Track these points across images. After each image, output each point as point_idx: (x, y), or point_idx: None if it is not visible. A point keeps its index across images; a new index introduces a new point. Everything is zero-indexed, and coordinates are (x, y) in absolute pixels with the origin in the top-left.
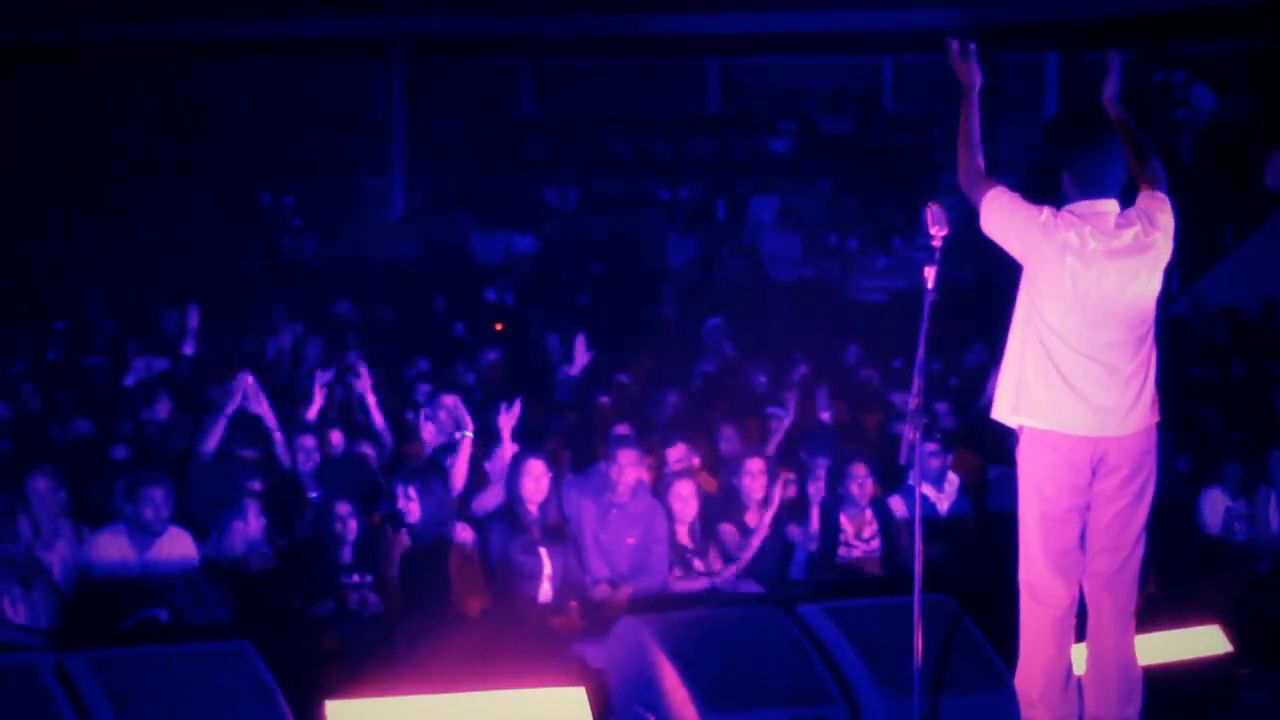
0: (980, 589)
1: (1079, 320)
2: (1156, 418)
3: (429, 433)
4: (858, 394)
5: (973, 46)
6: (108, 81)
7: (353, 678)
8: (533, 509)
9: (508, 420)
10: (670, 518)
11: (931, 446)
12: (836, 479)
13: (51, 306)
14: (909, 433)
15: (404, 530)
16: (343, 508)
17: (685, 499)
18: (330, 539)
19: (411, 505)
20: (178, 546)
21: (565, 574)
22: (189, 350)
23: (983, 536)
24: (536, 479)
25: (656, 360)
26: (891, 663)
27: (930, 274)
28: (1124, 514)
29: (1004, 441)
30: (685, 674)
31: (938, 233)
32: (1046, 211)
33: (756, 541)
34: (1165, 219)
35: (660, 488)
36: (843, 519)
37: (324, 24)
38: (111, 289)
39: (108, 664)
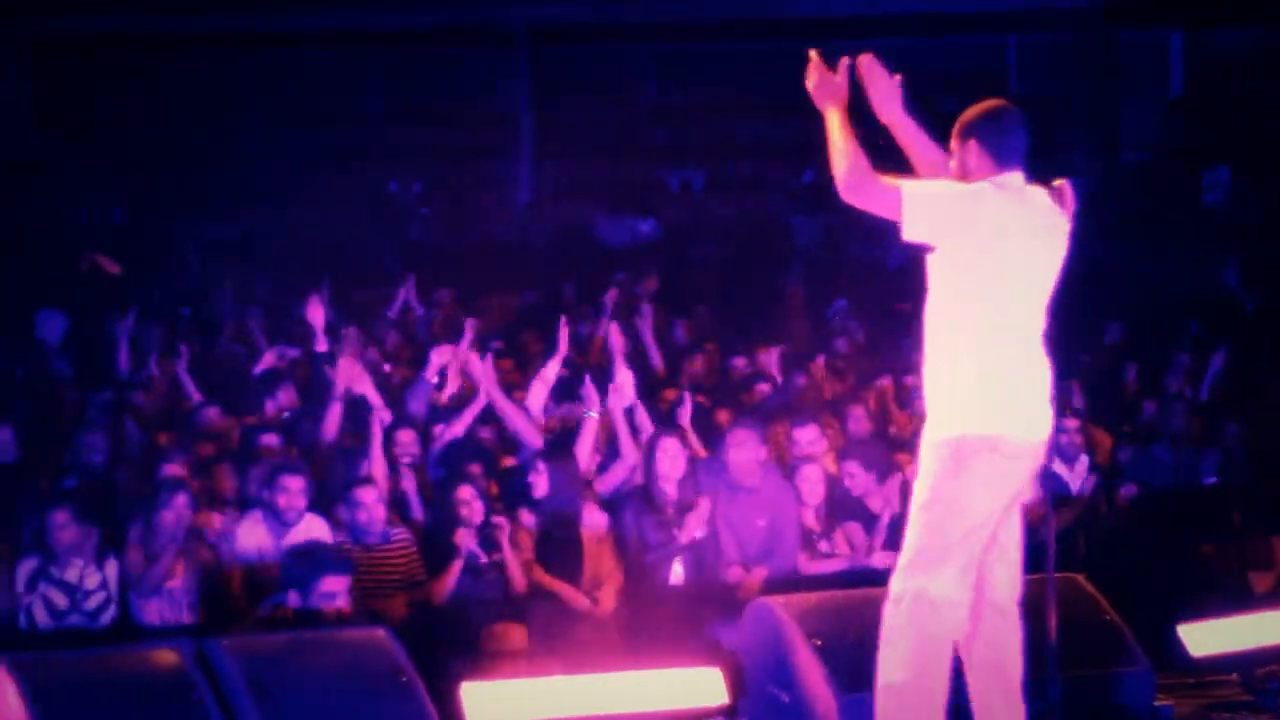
0: (1111, 567)
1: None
2: None
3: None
4: None
5: (845, 61)
6: (237, 72)
7: (488, 659)
8: (669, 488)
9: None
10: (798, 498)
11: (1069, 423)
12: None
13: (184, 296)
14: None
15: (531, 510)
16: (466, 491)
17: (812, 482)
18: (455, 524)
19: (540, 480)
20: (314, 533)
21: (698, 555)
22: (321, 347)
23: (1114, 516)
24: (673, 458)
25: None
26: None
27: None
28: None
29: (1132, 421)
30: (820, 655)
31: (1066, 211)
32: (980, 186)
33: (884, 522)
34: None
35: (789, 470)
36: None
37: (449, 14)
38: (242, 278)
39: (247, 650)
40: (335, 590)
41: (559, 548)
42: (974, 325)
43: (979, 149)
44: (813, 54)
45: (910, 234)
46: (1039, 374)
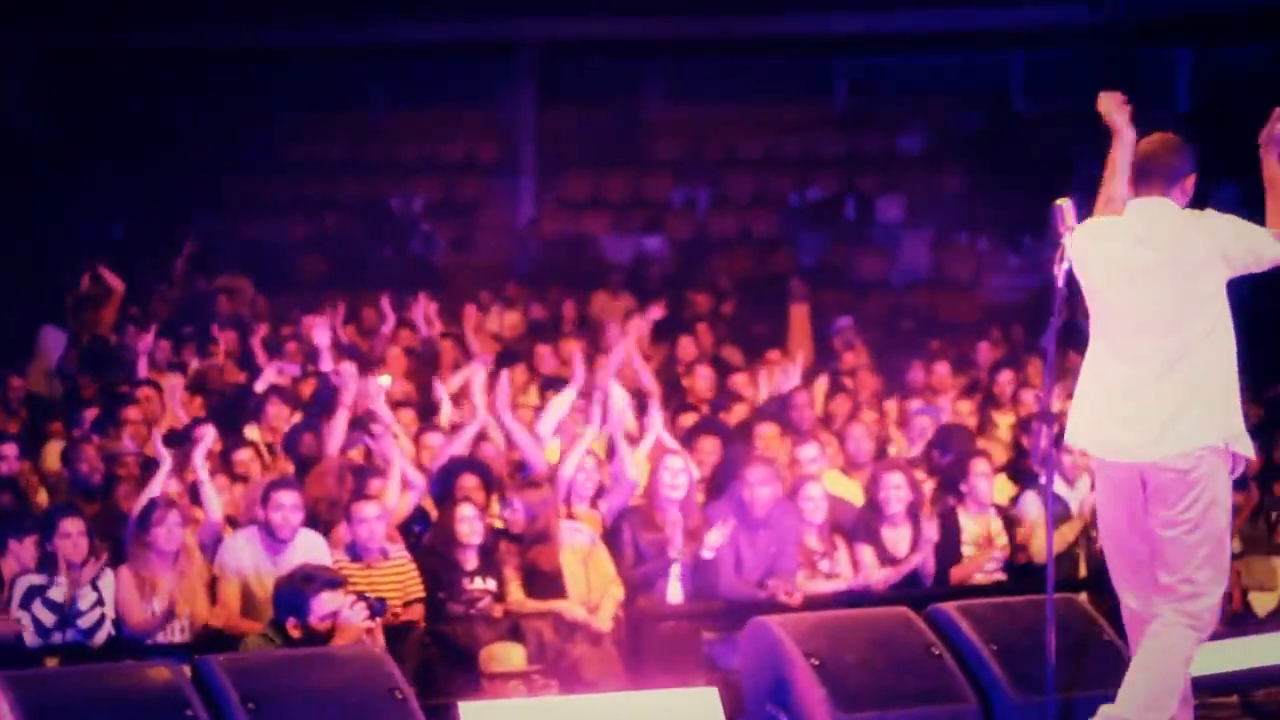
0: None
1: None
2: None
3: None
4: (990, 394)
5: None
6: (243, 85)
7: (486, 680)
8: (671, 508)
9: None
10: (801, 518)
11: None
12: (960, 478)
13: (188, 311)
14: (1040, 431)
15: (512, 541)
16: (468, 509)
17: (814, 501)
18: (454, 542)
19: (517, 516)
20: (311, 550)
21: (697, 574)
22: (326, 366)
23: None
24: (675, 475)
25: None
26: (1024, 661)
27: (1060, 273)
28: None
29: None
30: (818, 674)
31: (1067, 231)
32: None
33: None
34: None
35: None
36: (965, 520)
37: (454, 28)
38: (245, 291)
39: (241, 667)
40: (332, 609)
41: (540, 573)
42: (1091, 350)
43: None
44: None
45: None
46: (1148, 398)
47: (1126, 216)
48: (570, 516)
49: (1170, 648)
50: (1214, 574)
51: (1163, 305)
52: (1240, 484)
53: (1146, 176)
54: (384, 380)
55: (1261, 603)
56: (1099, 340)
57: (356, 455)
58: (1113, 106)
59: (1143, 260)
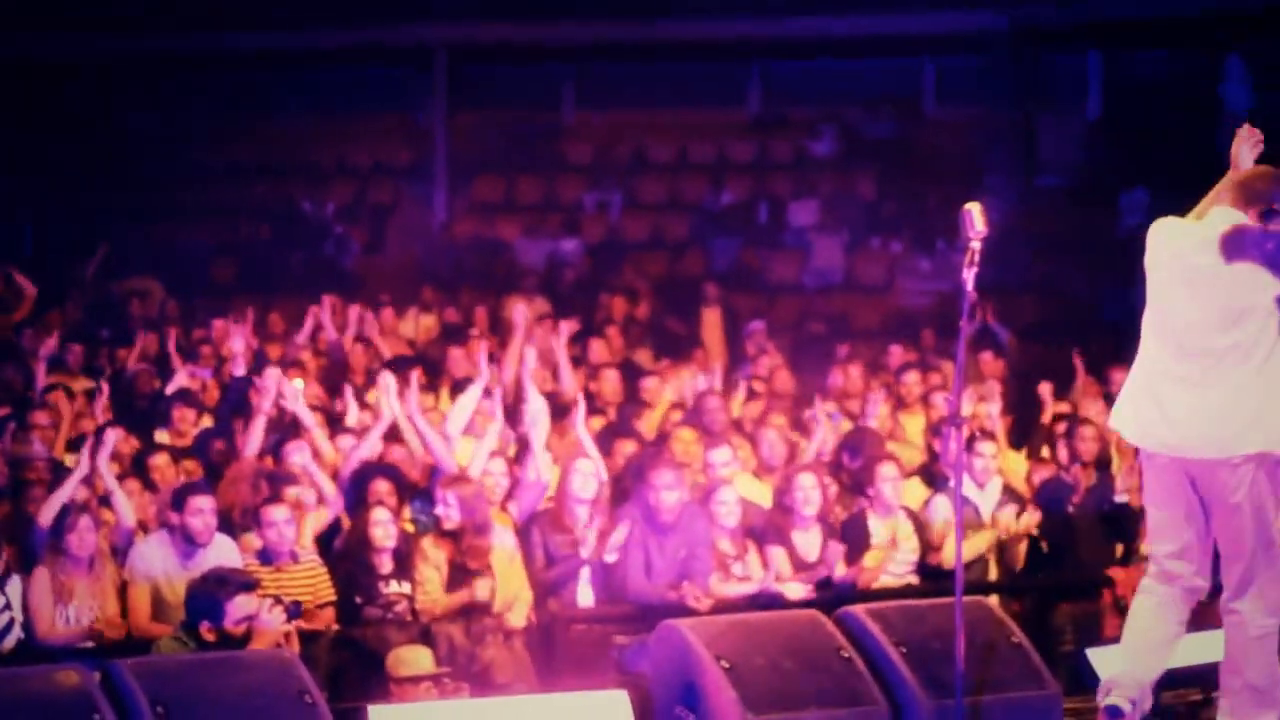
0: (1021, 591)
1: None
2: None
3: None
4: (900, 397)
5: None
6: (155, 90)
7: (395, 683)
8: (580, 511)
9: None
10: (712, 522)
11: (984, 447)
12: (868, 481)
13: (99, 315)
14: (950, 435)
15: (446, 538)
16: (382, 513)
17: (727, 504)
18: (369, 546)
19: (451, 512)
20: (223, 555)
21: (607, 578)
22: (239, 370)
23: (1024, 539)
24: (585, 478)
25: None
26: (933, 665)
27: (970, 276)
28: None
29: (1050, 444)
30: (728, 677)
31: (976, 235)
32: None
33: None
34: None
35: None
36: (874, 523)
37: (366, 33)
38: (157, 296)
39: (150, 671)
40: (247, 612)
41: (469, 571)
42: (1144, 345)
43: None
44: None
45: None
46: (1193, 399)
47: (1201, 221)
48: None
49: (1251, 644)
50: (1273, 574)
51: (1213, 308)
52: None
53: (1233, 193)
54: (298, 384)
55: None
56: (1152, 335)
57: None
58: (1241, 139)
59: (1202, 263)
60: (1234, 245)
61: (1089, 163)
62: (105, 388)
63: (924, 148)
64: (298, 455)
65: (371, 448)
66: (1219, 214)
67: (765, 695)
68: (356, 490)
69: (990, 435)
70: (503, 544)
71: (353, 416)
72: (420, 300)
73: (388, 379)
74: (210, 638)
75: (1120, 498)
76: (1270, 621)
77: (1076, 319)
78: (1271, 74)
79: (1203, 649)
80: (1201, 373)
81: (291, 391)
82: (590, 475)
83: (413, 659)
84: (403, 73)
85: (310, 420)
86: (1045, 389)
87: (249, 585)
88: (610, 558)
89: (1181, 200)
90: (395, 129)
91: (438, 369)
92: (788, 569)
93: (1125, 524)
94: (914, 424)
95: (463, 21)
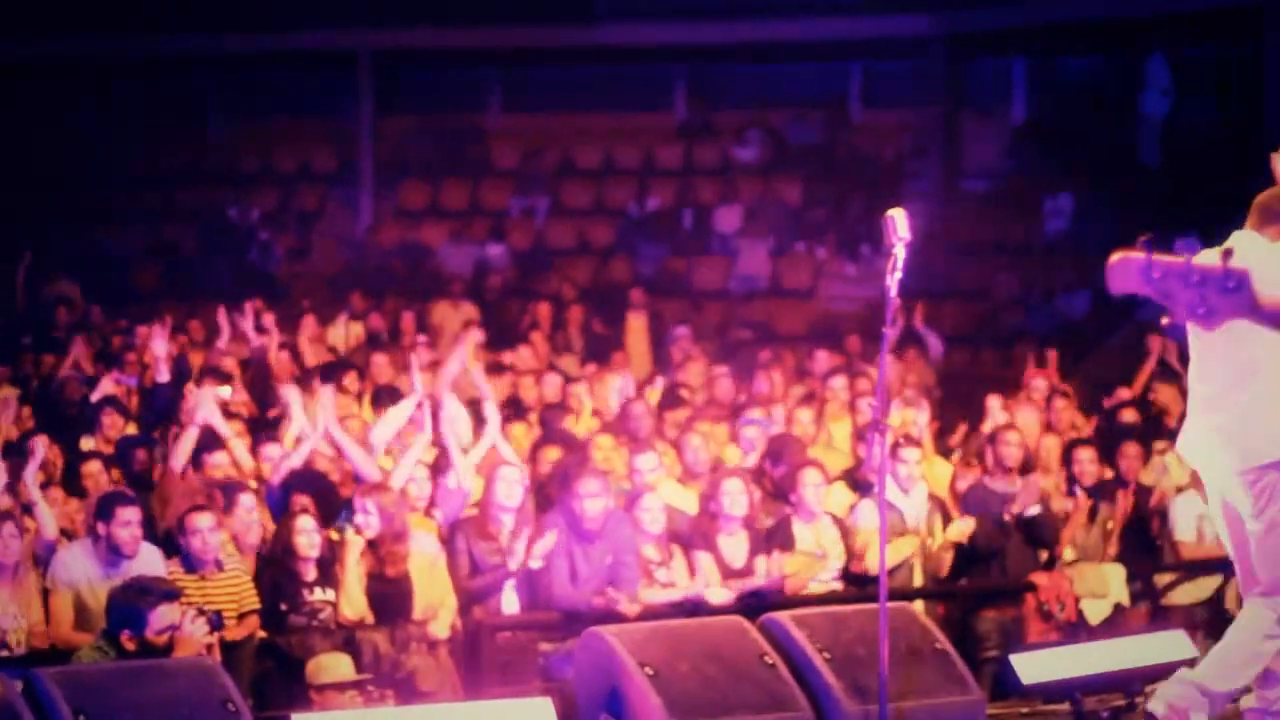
0: (945, 596)
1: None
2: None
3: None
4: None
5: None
6: (80, 95)
7: (316, 691)
8: (506, 519)
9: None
10: (638, 529)
11: (908, 454)
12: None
13: (24, 320)
14: (874, 440)
15: (365, 544)
16: (307, 522)
17: (652, 511)
18: (293, 554)
19: (370, 520)
20: (148, 566)
21: (532, 585)
22: (162, 377)
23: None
24: (510, 485)
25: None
26: (857, 671)
27: (893, 282)
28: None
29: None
30: (652, 684)
31: (899, 241)
32: None
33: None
34: None
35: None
36: (799, 529)
37: (292, 38)
38: (82, 302)
39: (73, 679)
40: (170, 622)
41: (387, 580)
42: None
43: None
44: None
45: None
46: (1215, 414)
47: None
48: None
49: (1245, 623)
50: None
51: (1228, 323)
52: (1072, 492)
53: (1254, 215)
54: (224, 391)
55: (1094, 610)
56: (1193, 355)
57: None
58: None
59: None
60: (1246, 259)
61: (1014, 167)
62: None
63: (850, 152)
64: (215, 468)
65: (300, 456)
66: (1237, 238)
67: (689, 702)
68: (282, 498)
69: (915, 441)
70: (423, 551)
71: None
72: (346, 306)
73: (291, 391)
74: (131, 646)
75: (1035, 508)
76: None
77: (1001, 324)
78: (1193, 79)
79: (1126, 654)
80: (1221, 390)
81: (209, 406)
82: (515, 482)
83: (332, 666)
84: (328, 78)
85: (227, 430)
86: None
87: (171, 595)
88: (536, 565)
89: (1106, 205)
90: (321, 134)
91: (362, 375)
92: (714, 575)
93: (1047, 531)
94: (840, 430)
95: (388, 26)
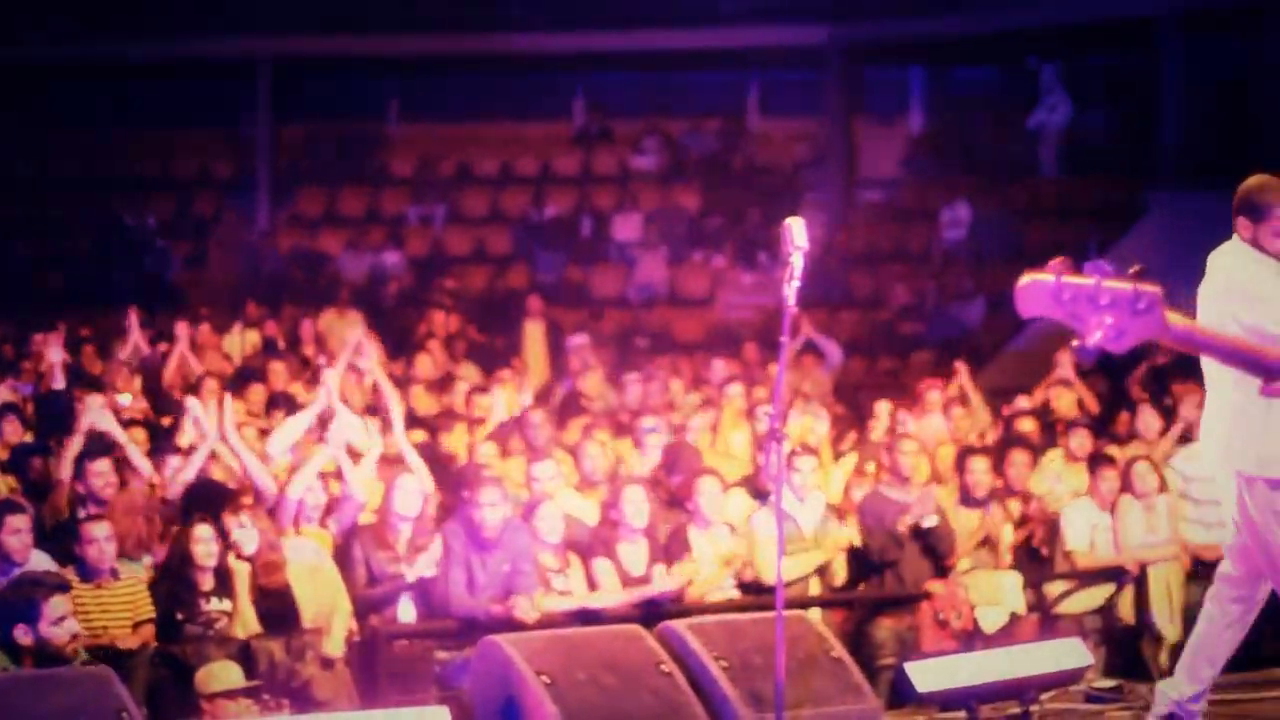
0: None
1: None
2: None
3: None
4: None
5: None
6: None
7: (207, 700)
8: (403, 528)
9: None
10: (535, 537)
11: (804, 462)
12: (688, 496)
13: None
14: (771, 449)
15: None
16: (205, 531)
17: (550, 519)
18: (191, 564)
19: (247, 534)
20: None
21: (428, 593)
22: (58, 384)
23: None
24: (408, 493)
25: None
26: (754, 679)
27: (790, 291)
28: None
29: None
30: (549, 692)
31: (797, 250)
32: None
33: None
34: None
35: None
36: (696, 537)
37: (190, 45)
38: None
39: None
40: (62, 614)
41: (271, 593)
42: None
43: None
44: None
45: None
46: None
47: None
48: (298, 534)
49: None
50: None
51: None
52: (965, 501)
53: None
54: (124, 399)
55: (989, 618)
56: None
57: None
58: None
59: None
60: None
61: (911, 177)
62: None
63: (748, 162)
64: (98, 476)
65: (194, 467)
66: (1222, 252)
67: (586, 711)
68: (183, 506)
69: (811, 450)
70: (300, 559)
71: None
72: (242, 314)
73: (193, 402)
74: (27, 642)
75: (932, 517)
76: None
77: (898, 333)
78: (1088, 90)
79: (1022, 662)
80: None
81: (101, 415)
82: (414, 491)
83: (222, 675)
84: (227, 85)
85: (123, 437)
86: (882, 406)
87: (63, 587)
88: (431, 572)
89: (1003, 214)
90: (218, 141)
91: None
92: (613, 583)
93: (944, 540)
94: (738, 438)
95: (287, 34)
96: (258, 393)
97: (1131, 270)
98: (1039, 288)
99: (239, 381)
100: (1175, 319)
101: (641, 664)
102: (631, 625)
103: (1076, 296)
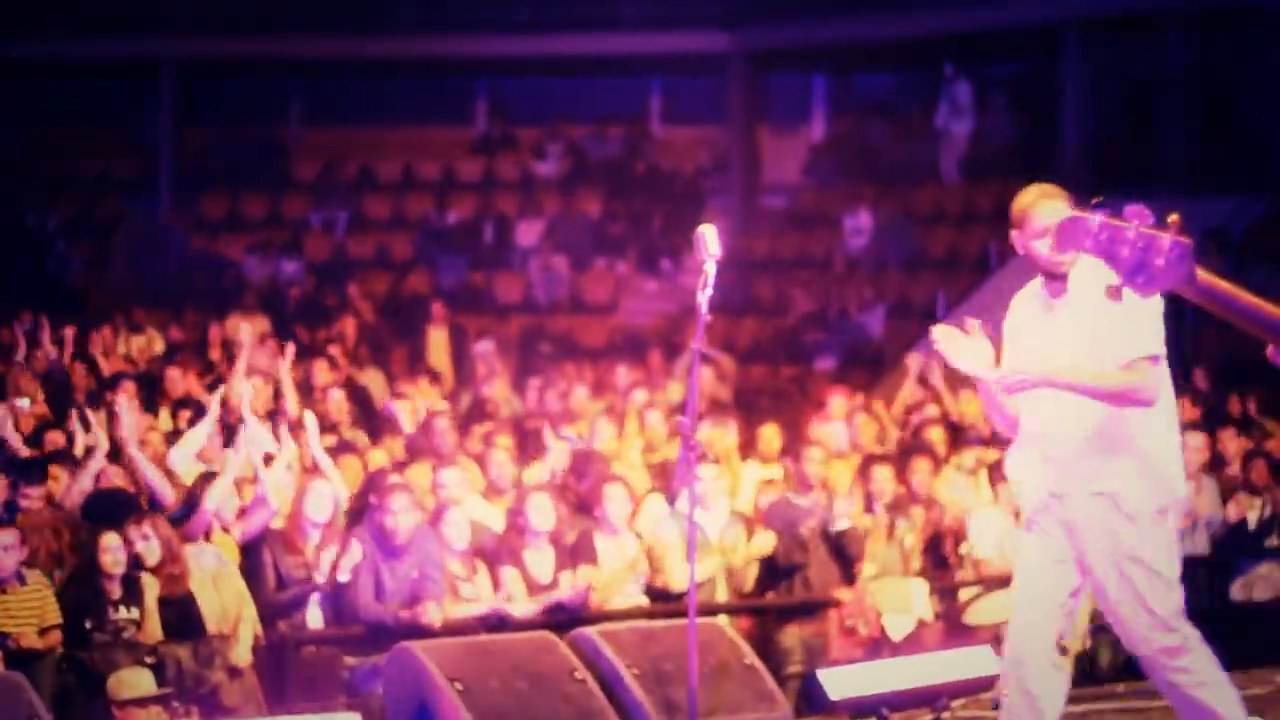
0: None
1: None
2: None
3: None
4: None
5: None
6: None
7: (118, 706)
8: (313, 533)
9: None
10: (443, 544)
11: (706, 471)
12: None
13: None
14: (683, 456)
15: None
16: (112, 540)
17: (457, 526)
18: (99, 572)
19: (151, 545)
20: None
21: (336, 599)
22: None
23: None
24: (319, 499)
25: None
26: (666, 686)
27: (704, 299)
28: None
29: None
30: (462, 699)
31: (710, 258)
32: None
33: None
34: None
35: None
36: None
37: (93, 46)
38: None
39: None
40: None
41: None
42: None
43: None
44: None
45: None
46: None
47: None
48: (207, 540)
49: None
50: None
51: None
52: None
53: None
54: (24, 403)
55: (896, 626)
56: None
57: None
58: None
59: None
60: (1068, 234)
61: (813, 184)
62: None
63: (650, 168)
64: None
65: (91, 476)
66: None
67: (499, 717)
68: (89, 514)
69: (715, 457)
70: (200, 566)
71: (81, 442)
72: (143, 318)
73: (85, 412)
74: None
75: (842, 522)
76: None
77: (799, 340)
78: (990, 97)
79: (932, 670)
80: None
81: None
82: (326, 496)
83: (133, 681)
84: (129, 86)
85: (17, 442)
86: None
87: None
88: (343, 577)
89: (905, 222)
90: (121, 143)
91: (158, 389)
92: (519, 589)
93: (850, 546)
94: (642, 444)
95: (190, 36)
96: (167, 398)
97: (1169, 219)
98: (1081, 225)
99: (142, 386)
100: (1203, 274)
101: (555, 671)
102: (544, 632)
103: (1114, 238)
